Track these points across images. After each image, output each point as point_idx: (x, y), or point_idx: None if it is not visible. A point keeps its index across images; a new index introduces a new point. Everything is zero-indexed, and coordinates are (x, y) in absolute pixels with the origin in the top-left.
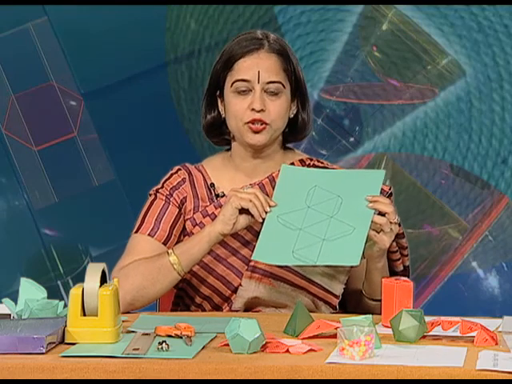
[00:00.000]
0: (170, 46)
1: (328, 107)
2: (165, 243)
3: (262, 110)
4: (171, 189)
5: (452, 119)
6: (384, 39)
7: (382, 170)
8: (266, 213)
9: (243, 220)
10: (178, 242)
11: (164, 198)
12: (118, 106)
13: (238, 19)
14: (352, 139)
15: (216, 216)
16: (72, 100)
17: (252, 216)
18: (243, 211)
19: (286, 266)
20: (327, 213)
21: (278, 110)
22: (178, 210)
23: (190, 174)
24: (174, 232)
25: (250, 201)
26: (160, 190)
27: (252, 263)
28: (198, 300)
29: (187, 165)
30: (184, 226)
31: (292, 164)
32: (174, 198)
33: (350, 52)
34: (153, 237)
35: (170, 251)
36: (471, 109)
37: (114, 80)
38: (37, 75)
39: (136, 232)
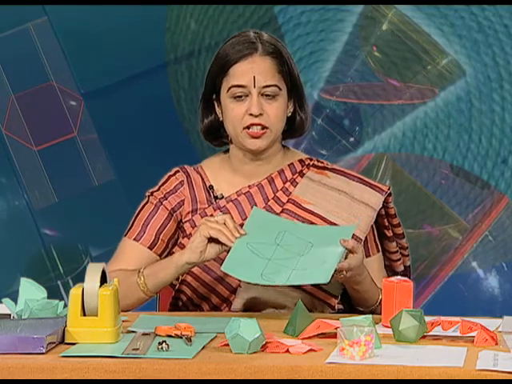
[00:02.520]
0: (170, 46)
1: (328, 107)
2: (150, 248)
3: (260, 114)
4: (167, 193)
5: (452, 119)
6: (384, 39)
7: (353, 226)
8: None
9: (213, 249)
10: (168, 246)
11: (155, 202)
12: (118, 106)
13: (238, 19)
14: (352, 139)
15: None
16: (72, 100)
17: (222, 245)
18: (213, 240)
19: None
20: (297, 252)
21: (276, 113)
22: (167, 214)
23: (188, 176)
24: (160, 237)
25: (220, 230)
26: (154, 194)
27: None
28: (196, 300)
29: (186, 167)
30: (183, 227)
31: (291, 164)
32: (169, 202)
33: (350, 52)
34: (138, 241)
35: (141, 270)
36: (471, 109)
37: (114, 80)
38: (37, 75)
39: (125, 235)
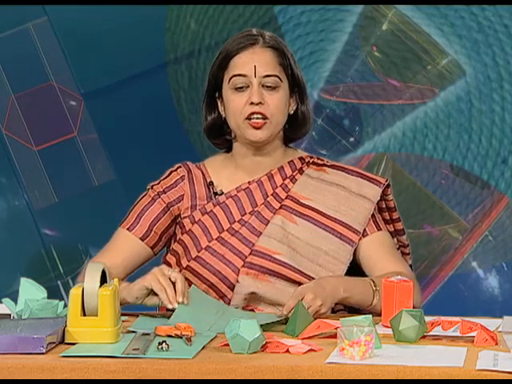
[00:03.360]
0: (170, 46)
1: (328, 107)
2: (142, 239)
3: (260, 103)
4: (167, 187)
5: (452, 119)
6: (384, 39)
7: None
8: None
9: (151, 300)
10: (160, 239)
11: (153, 195)
12: (118, 106)
13: (238, 19)
14: (352, 139)
15: (215, 214)
16: (72, 100)
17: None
18: (155, 293)
19: (282, 263)
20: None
21: (276, 104)
22: (163, 208)
23: (189, 171)
24: (154, 229)
25: (163, 289)
26: (154, 187)
27: (248, 259)
28: None
29: (188, 163)
30: (182, 223)
31: (291, 162)
32: (167, 196)
33: (350, 52)
34: (131, 231)
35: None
36: (471, 109)
37: (114, 80)
38: (37, 75)
39: (119, 225)
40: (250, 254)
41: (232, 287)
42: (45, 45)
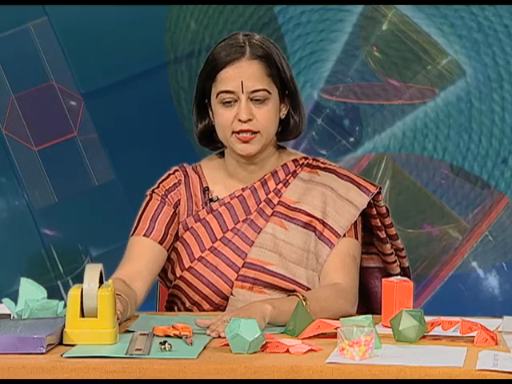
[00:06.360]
0: (170, 46)
1: (328, 107)
2: (160, 242)
3: (249, 120)
4: (166, 190)
5: (452, 119)
6: (384, 39)
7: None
8: None
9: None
10: (173, 244)
11: (159, 198)
12: (117, 106)
13: (238, 19)
14: (352, 139)
15: (207, 222)
16: (72, 100)
17: None
18: None
19: (275, 274)
20: None
21: (265, 118)
22: (173, 209)
23: (186, 175)
24: (169, 231)
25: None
26: (156, 191)
27: (241, 272)
28: (188, 305)
29: (185, 165)
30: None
31: (285, 165)
32: (169, 199)
33: (350, 52)
34: (148, 237)
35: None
36: (471, 109)
37: (113, 80)
38: (37, 75)
39: (132, 234)
40: (243, 266)
41: (226, 298)
42: (45, 45)
